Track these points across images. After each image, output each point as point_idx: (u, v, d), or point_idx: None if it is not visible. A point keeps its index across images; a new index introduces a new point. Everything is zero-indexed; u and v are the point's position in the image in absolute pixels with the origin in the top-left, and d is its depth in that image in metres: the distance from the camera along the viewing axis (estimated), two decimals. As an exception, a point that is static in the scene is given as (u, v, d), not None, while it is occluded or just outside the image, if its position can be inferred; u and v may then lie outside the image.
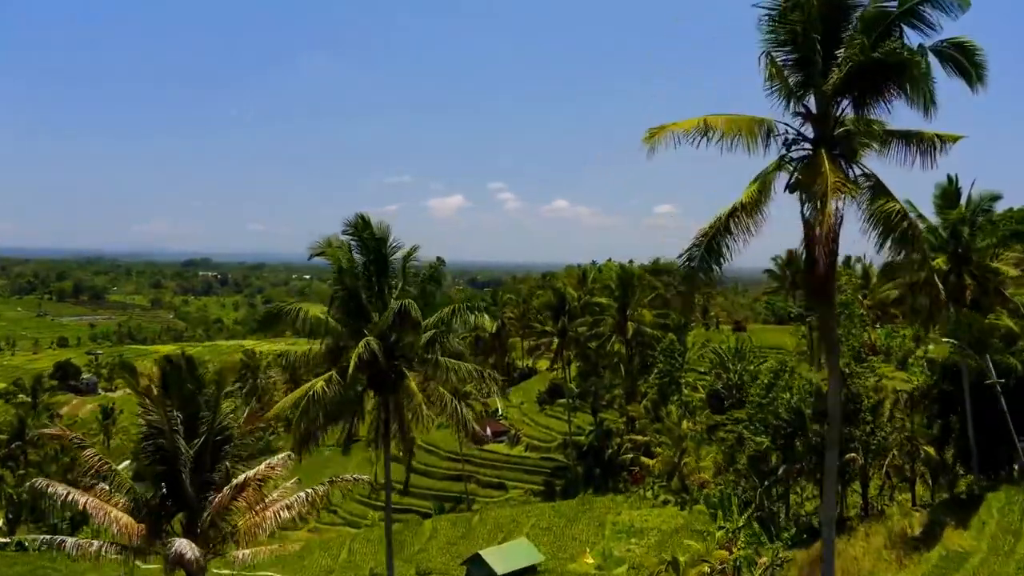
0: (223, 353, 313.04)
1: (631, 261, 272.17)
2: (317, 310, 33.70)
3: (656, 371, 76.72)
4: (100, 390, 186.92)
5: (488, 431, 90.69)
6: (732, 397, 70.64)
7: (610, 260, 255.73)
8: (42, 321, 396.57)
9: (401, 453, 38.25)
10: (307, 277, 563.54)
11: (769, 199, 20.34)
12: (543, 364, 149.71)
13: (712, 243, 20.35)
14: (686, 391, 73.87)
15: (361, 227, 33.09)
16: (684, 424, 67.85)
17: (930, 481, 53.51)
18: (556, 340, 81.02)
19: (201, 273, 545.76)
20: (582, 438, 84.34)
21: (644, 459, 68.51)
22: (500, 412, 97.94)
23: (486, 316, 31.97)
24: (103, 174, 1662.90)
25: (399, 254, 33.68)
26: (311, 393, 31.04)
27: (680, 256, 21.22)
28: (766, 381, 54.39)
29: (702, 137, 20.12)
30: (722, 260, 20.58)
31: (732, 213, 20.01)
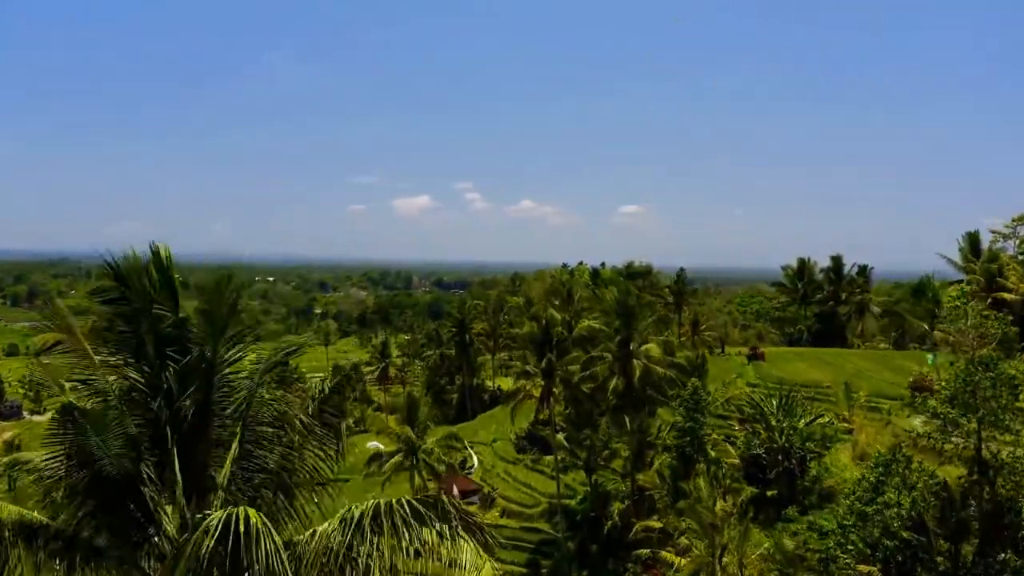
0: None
1: (603, 264, 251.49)
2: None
3: (673, 426, 57.50)
4: (26, 413, 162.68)
5: (455, 490, 70.71)
6: (779, 464, 51.53)
7: (582, 263, 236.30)
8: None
9: None
10: (271, 279, 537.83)
11: None
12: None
13: None
14: (712, 452, 54.60)
15: (126, 295, 13.26)
16: (718, 506, 48.68)
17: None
18: (541, 382, 61.15)
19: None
20: (573, 502, 64.97)
21: (665, 553, 49.15)
22: (471, 466, 77.99)
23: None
24: (73, 176, 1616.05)
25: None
26: None
27: None
28: (873, 479, 35.08)
29: None
30: None
31: None
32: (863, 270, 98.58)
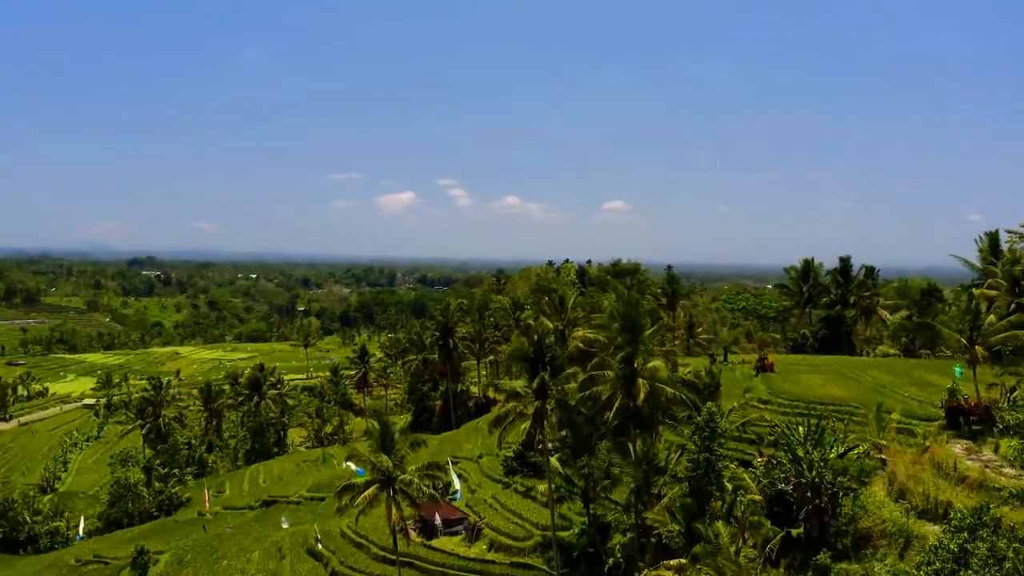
0: (154, 361, 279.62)
1: (589, 261, 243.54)
2: None
3: (682, 451, 50.29)
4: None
5: (437, 519, 63.26)
6: (808, 502, 44.29)
7: (568, 262, 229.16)
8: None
9: None
10: (253, 276, 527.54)
11: None
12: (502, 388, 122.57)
13: None
14: (729, 485, 47.33)
15: None
16: (741, 554, 41.56)
17: None
18: (533, 403, 53.52)
19: (144, 273, 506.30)
20: (569, 535, 57.53)
21: (682, 610, 41.88)
22: (455, 492, 70.32)
23: None
24: (54, 175, 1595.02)
25: None
26: None
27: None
28: (954, 547, 27.83)
29: None
30: None
31: None
32: (870, 272, 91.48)
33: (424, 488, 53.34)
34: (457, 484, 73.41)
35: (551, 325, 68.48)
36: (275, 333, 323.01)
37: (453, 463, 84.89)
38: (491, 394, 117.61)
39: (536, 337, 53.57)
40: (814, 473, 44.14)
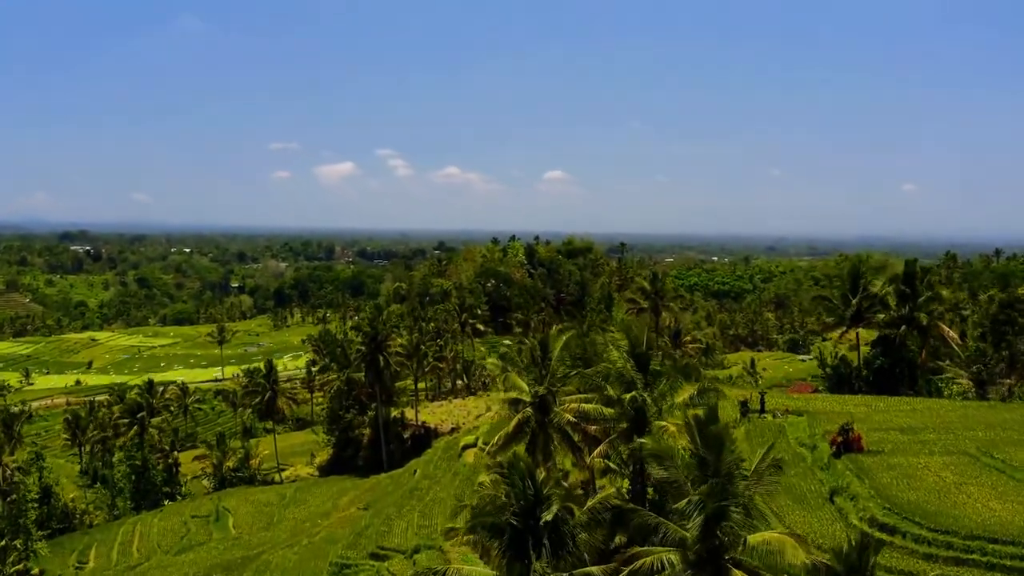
0: (67, 350, 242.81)
1: (537, 238, 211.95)
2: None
3: None
4: None
5: None
6: None
7: (515, 239, 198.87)
8: None
9: None
10: (187, 251, 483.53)
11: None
12: (454, 413, 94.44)
13: None
14: None
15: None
16: None
17: None
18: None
19: (72, 248, 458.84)
20: None
21: None
22: None
23: None
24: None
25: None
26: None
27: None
28: None
29: None
30: None
31: None
32: (926, 274, 64.58)
33: None
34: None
35: (527, 388, 39.91)
36: (203, 315, 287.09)
37: (377, 558, 56.32)
38: (431, 422, 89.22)
39: (522, 482, 24.73)
40: None
